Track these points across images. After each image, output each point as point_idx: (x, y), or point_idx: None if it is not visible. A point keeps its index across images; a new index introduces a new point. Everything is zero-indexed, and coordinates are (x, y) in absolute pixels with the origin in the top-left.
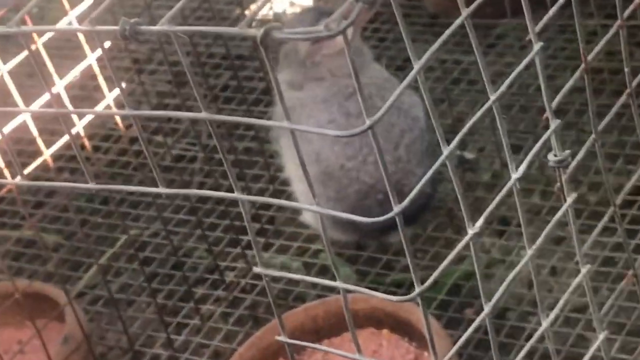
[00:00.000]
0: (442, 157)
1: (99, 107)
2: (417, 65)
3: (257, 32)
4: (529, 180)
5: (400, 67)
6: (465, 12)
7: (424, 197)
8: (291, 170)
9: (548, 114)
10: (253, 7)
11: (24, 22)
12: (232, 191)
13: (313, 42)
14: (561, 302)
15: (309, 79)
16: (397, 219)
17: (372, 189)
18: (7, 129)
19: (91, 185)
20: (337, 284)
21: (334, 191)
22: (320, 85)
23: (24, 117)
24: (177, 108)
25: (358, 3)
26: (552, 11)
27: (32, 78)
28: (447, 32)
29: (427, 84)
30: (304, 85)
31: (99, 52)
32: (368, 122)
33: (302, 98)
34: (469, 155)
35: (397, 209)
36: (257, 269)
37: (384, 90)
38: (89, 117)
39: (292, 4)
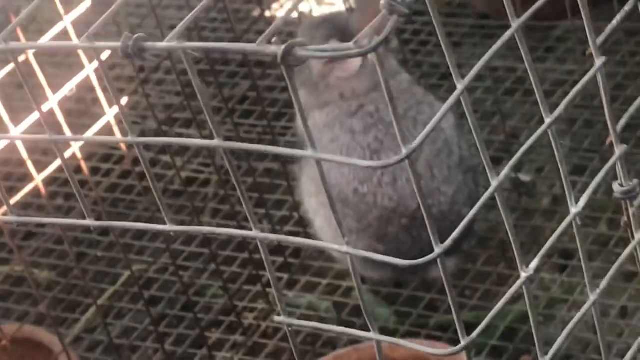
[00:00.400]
0: (491, 189)
1: (98, 124)
2: (460, 85)
3: (278, 49)
4: (594, 207)
5: (445, 76)
6: (516, 23)
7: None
8: (307, 202)
9: (612, 137)
10: (274, 5)
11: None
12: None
13: (326, 63)
14: (633, 349)
15: (316, 106)
16: (439, 262)
17: (394, 214)
18: None
19: (89, 222)
20: (371, 335)
21: (354, 221)
22: (322, 112)
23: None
24: (188, 123)
25: (393, 16)
26: (615, 20)
27: (22, 90)
28: (498, 44)
29: (474, 96)
30: (310, 113)
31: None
32: (405, 151)
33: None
34: (524, 177)
35: (439, 249)
36: (279, 318)
37: (410, 110)
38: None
39: (319, 3)
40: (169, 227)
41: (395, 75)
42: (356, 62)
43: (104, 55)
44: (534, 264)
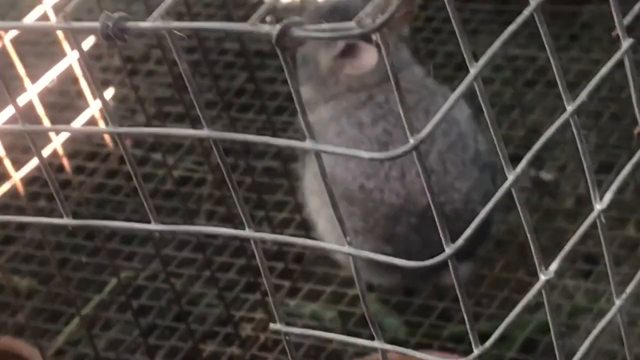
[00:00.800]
0: (506, 184)
1: (81, 118)
2: (473, 70)
3: (273, 30)
4: (621, 207)
5: (460, 66)
6: (534, 0)
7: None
8: (310, 201)
9: None
10: None
11: None
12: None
13: (335, 58)
14: None
15: (322, 100)
16: (449, 263)
17: (402, 212)
18: None
19: (67, 221)
20: (376, 343)
21: (360, 220)
22: (327, 105)
23: None
24: (180, 118)
25: None
26: None
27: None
28: (513, 26)
29: (492, 88)
30: (314, 109)
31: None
32: (412, 141)
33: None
34: (546, 176)
35: (449, 249)
36: (275, 326)
37: (422, 101)
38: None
39: None
40: (153, 225)
41: (408, 66)
42: (371, 59)
43: (89, 42)
44: (554, 266)
